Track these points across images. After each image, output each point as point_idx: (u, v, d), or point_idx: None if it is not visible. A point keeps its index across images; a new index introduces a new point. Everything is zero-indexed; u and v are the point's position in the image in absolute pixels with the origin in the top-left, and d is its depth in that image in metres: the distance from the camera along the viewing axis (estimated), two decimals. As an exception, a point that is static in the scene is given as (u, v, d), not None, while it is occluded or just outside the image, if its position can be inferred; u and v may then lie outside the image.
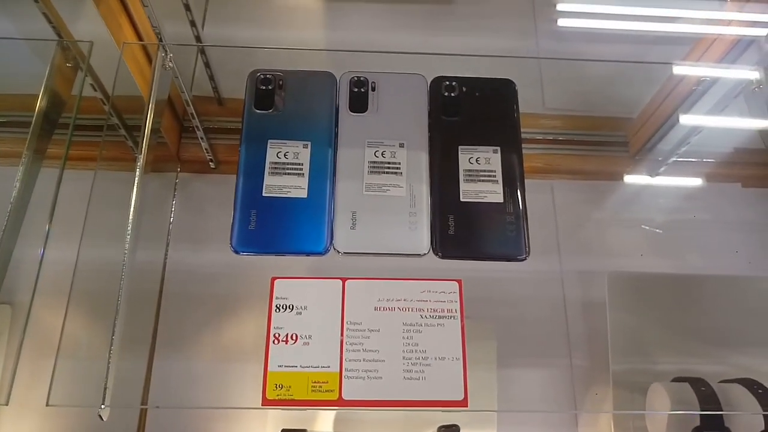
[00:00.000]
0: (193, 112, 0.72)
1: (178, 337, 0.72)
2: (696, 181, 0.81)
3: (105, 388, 0.46)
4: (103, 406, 0.46)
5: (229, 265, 0.72)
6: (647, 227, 0.75)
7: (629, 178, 0.81)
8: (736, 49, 0.71)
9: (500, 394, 0.67)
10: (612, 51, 0.88)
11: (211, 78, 0.80)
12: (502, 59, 0.65)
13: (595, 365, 0.71)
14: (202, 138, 0.76)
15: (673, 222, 0.78)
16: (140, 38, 0.65)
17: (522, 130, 0.56)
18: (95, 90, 0.65)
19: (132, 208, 0.54)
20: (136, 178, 0.55)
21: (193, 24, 0.71)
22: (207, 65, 0.78)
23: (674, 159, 0.78)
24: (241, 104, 0.83)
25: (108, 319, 0.52)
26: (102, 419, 0.46)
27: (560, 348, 0.72)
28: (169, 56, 0.61)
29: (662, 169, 0.80)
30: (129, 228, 0.53)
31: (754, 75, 0.67)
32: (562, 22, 0.92)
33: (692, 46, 0.74)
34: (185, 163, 0.81)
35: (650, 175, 0.80)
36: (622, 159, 0.81)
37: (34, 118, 0.59)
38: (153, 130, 0.59)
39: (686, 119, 0.75)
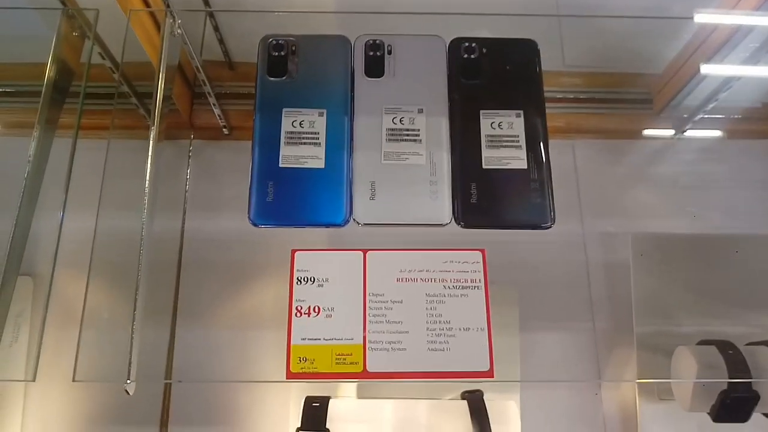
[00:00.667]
0: (204, 78, 0.70)
1: (199, 306, 0.72)
2: (723, 138, 0.78)
3: (129, 363, 0.47)
4: (129, 381, 0.46)
5: (246, 233, 0.71)
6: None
7: (653, 136, 0.79)
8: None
9: (523, 358, 0.67)
10: (635, 3, 0.84)
11: (221, 42, 0.78)
12: (521, 19, 0.63)
13: (618, 328, 0.70)
14: (214, 104, 0.75)
15: (699, 180, 0.76)
16: (146, 4, 0.63)
17: (542, 89, 0.54)
18: (103, 58, 0.64)
19: (147, 177, 0.53)
20: (150, 147, 0.54)
21: (200, -13, 0.69)
22: (216, 29, 0.76)
23: (701, 116, 0.76)
24: (253, 68, 0.81)
25: (128, 289, 0.52)
26: (128, 394, 0.46)
27: (583, 311, 0.71)
28: (177, 22, 0.59)
29: (688, 126, 0.77)
30: (146, 198, 0.52)
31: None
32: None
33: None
34: (198, 129, 0.79)
35: (676, 133, 0.78)
36: (647, 116, 0.79)
37: (43, 88, 0.58)
38: (164, 98, 0.58)
39: (714, 73, 0.73)
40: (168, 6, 0.58)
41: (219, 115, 0.77)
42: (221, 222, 0.75)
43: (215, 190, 0.77)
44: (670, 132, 0.78)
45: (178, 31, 0.59)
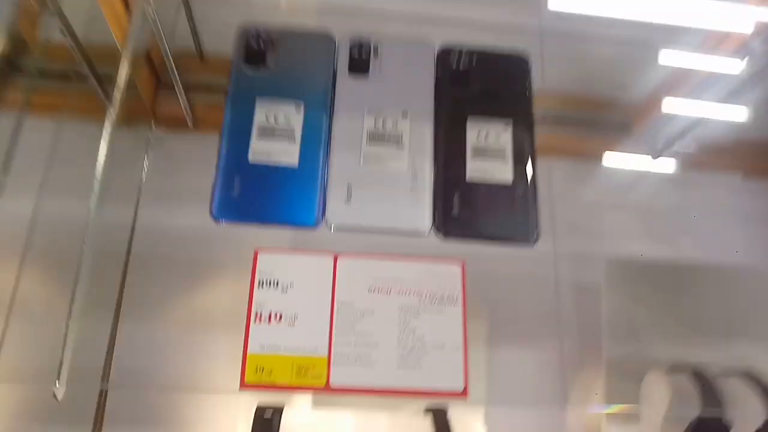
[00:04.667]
0: (173, 66, 0.66)
1: (147, 302, 0.67)
2: (697, 170, 0.79)
3: (60, 364, 0.41)
4: (57, 386, 0.41)
5: (205, 229, 0.68)
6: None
7: (629, 163, 0.79)
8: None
9: (491, 375, 0.65)
10: (622, 34, 0.85)
11: (194, 31, 0.74)
12: (504, 36, 0.62)
13: (586, 350, 0.69)
14: (180, 94, 0.71)
15: (671, 210, 0.77)
16: (117, -19, 0.59)
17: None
18: (64, 35, 0.60)
19: (99, 162, 0.49)
20: (105, 132, 0.50)
21: (176, -31, 0.66)
22: (190, 17, 0.72)
23: (675, 148, 0.76)
24: (225, 62, 0.77)
25: (68, 281, 0.47)
26: (56, 399, 0.41)
27: (552, 331, 0.70)
28: (152, 6, 0.55)
29: (663, 156, 0.78)
30: (95, 183, 0.48)
31: (738, 67, 0.66)
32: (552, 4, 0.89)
33: (706, 36, 0.71)
34: (161, 119, 0.75)
35: (651, 162, 0.78)
36: (623, 143, 0.79)
37: (-7, 60, 0.53)
38: (128, 84, 0.54)
39: (690, 109, 0.74)
40: (141, -15, 0.54)
41: (185, 106, 0.73)
42: (178, 217, 0.71)
43: (174, 182, 0.73)
44: (647, 159, 0.79)
45: (151, 15, 0.55)
